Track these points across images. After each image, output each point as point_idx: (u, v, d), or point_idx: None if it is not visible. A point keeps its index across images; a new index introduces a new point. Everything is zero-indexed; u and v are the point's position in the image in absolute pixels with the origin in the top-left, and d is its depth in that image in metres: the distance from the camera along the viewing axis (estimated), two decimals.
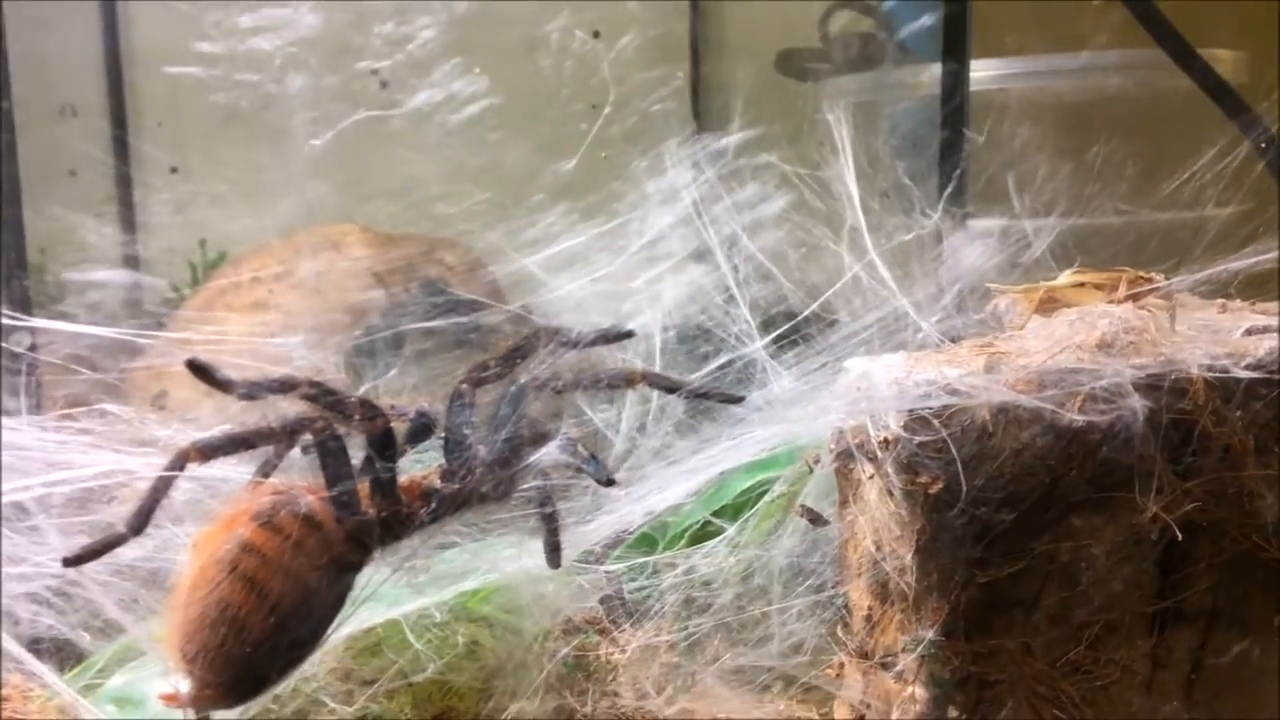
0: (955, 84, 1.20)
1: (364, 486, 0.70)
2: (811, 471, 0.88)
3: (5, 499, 0.74)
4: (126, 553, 0.76)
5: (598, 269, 1.05)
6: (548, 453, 0.72)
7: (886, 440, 0.75)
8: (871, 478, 0.79)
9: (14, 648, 0.77)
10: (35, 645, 0.81)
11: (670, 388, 0.81)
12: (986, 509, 0.73)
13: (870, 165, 1.08)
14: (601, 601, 0.88)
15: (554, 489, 0.74)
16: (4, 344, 0.89)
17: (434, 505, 0.72)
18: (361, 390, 0.98)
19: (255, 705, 0.69)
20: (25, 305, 1.21)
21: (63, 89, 1.77)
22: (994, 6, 1.33)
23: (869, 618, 0.81)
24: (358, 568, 0.70)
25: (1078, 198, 1.03)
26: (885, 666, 0.79)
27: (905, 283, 0.99)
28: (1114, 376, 0.72)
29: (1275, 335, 0.78)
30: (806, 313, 0.98)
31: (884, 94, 1.46)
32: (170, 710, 0.67)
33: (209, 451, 0.66)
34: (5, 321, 0.89)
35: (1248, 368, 0.74)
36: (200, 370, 0.65)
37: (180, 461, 0.66)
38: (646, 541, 0.95)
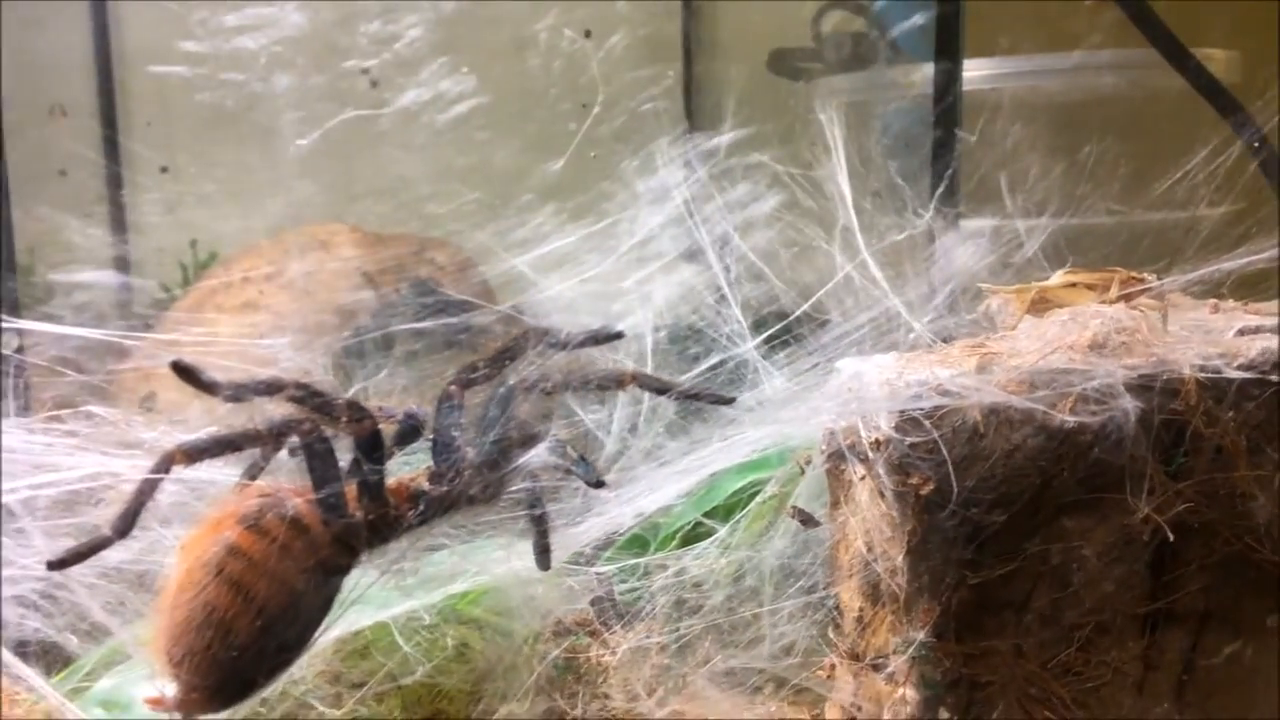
0: (948, 84, 1.20)
1: (351, 489, 0.70)
2: (803, 472, 0.87)
3: None
4: (113, 555, 0.76)
5: (589, 269, 1.05)
6: (537, 454, 0.72)
7: (878, 441, 0.75)
8: (863, 479, 0.79)
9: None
10: (22, 648, 0.80)
11: (660, 389, 0.81)
12: (978, 510, 0.73)
13: (863, 165, 1.08)
14: (592, 603, 0.88)
15: (543, 491, 0.73)
16: None
17: (422, 508, 0.71)
18: (351, 391, 0.97)
19: (242, 709, 0.69)
20: (13, 307, 1.21)
21: (53, 89, 1.77)
22: (987, 6, 1.33)
23: (860, 619, 0.81)
24: (345, 571, 0.70)
25: (1070, 198, 1.03)
26: (876, 668, 0.79)
27: (897, 283, 0.99)
28: (1105, 377, 0.72)
29: (1268, 335, 0.78)
30: (798, 313, 0.98)
31: (876, 94, 1.46)
32: (156, 714, 0.66)
33: (194, 454, 0.66)
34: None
35: (1240, 368, 0.74)
36: (185, 372, 0.65)
37: (165, 464, 0.65)
38: (638, 543, 0.94)
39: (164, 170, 1.71)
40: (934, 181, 1.15)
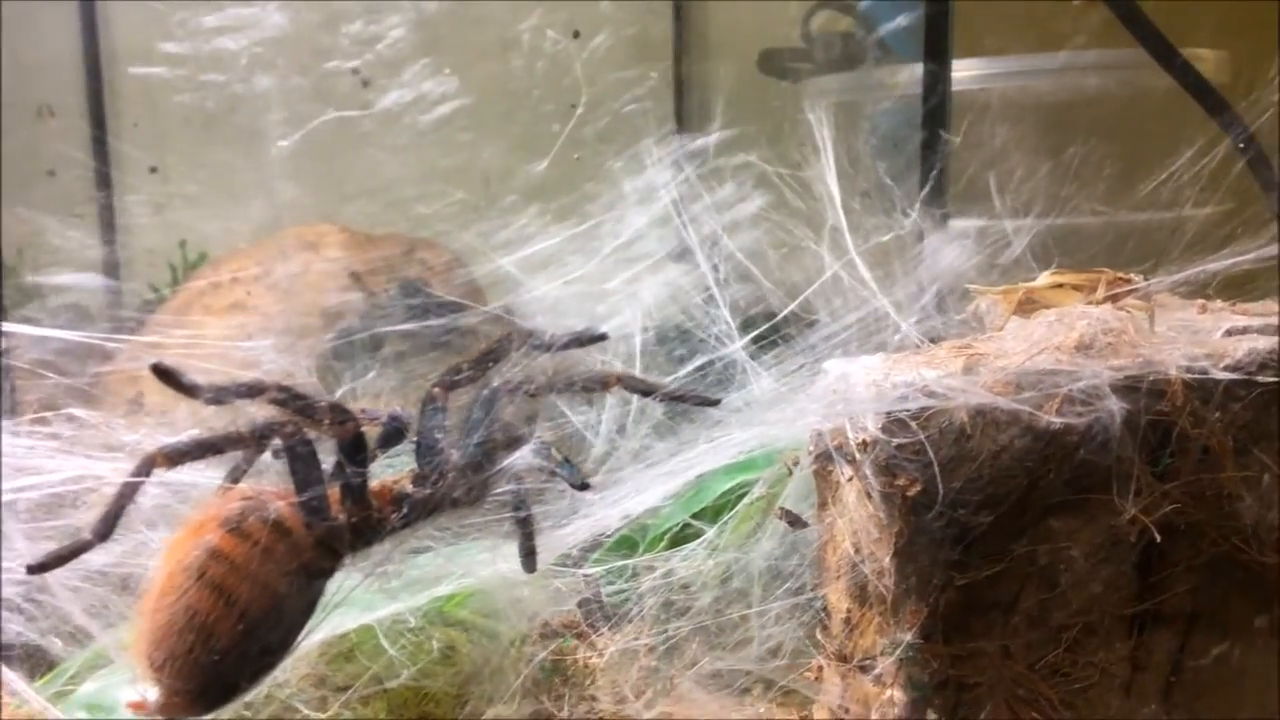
0: (936, 84, 1.20)
1: (334, 491, 0.70)
2: (790, 474, 0.87)
3: None
4: (97, 558, 0.76)
5: (576, 270, 1.04)
6: (521, 457, 0.71)
7: (865, 442, 0.75)
8: (850, 480, 0.78)
9: None
10: (6, 652, 0.80)
11: (646, 391, 0.81)
12: (965, 511, 0.73)
13: (851, 165, 1.08)
14: (579, 605, 0.87)
15: (529, 493, 0.73)
16: None
17: (405, 510, 0.71)
18: (339, 393, 0.97)
19: (225, 712, 0.69)
20: None
21: (41, 89, 1.76)
22: (975, 6, 1.33)
23: (848, 621, 0.81)
24: (328, 574, 0.69)
25: (1059, 198, 1.03)
26: (864, 669, 0.79)
27: (886, 283, 0.99)
28: (1092, 378, 0.72)
29: (1255, 336, 0.78)
30: (785, 312, 0.98)
31: (865, 94, 1.46)
32: (138, 718, 0.66)
33: (176, 457, 0.65)
34: None
35: (1227, 369, 0.74)
36: (165, 375, 0.64)
37: (146, 467, 0.65)
38: (626, 544, 0.94)
39: (153, 170, 1.71)
40: (922, 182, 1.15)
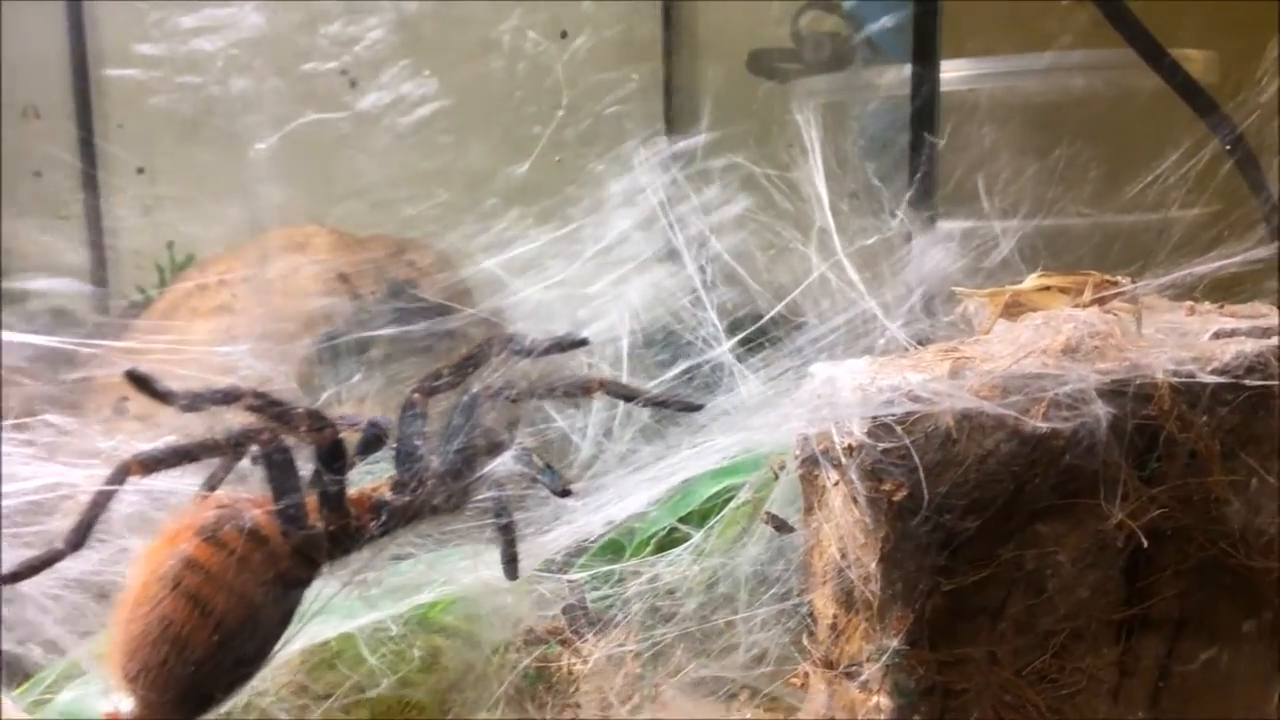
0: (924, 84, 1.20)
1: (312, 499, 0.69)
2: (777, 478, 0.87)
3: None
4: (75, 566, 0.75)
5: (562, 272, 1.04)
6: (502, 463, 0.71)
7: (851, 447, 0.74)
8: (836, 484, 0.78)
9: None
10: None
11: (628, 396, 0.80)
12: (951, 516, 0.72)
13: (840, 166, 1.07)
14: (564, 611, 0.87)
15: (511, 499, 0.72)
16: None
17: (384, 518, 0.70)
18: (323, 397, 0.96)
19: None
20: None
21: (27, 90, 1.75)
22: (964, 6, 1.33)
23: (834, 626, 0.80)
24: (306, 583, 0.68)
25: (1047, 199, 1.03)
26: (850, 676, 0.78)
27: (874, 285, 0.98)
28: (1078, 382, 0.71)
29: (1242, 339, 0.77)
30: (771, 314, 0.97)
31: (854, 94, 1.45)
32: None
33: (150, 464, 0.65)
34: None
35: (1214, 373, 0.73)
36: (140, 381, 0.63)
37: (121, 475, 0.64)
38: (612, 548, 0.94)
39: (140, 171, 1.70)
40: (911, 183, 1.15)
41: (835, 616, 0.80)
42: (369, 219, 1.44)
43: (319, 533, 0.68)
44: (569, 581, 0.87)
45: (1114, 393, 0.72)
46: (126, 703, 0.64)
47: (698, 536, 0.88)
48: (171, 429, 0.75)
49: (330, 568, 0.70)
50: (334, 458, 0.68)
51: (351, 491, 0.71)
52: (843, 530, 0.77)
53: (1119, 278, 0.84)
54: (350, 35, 1.27)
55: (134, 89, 1.54)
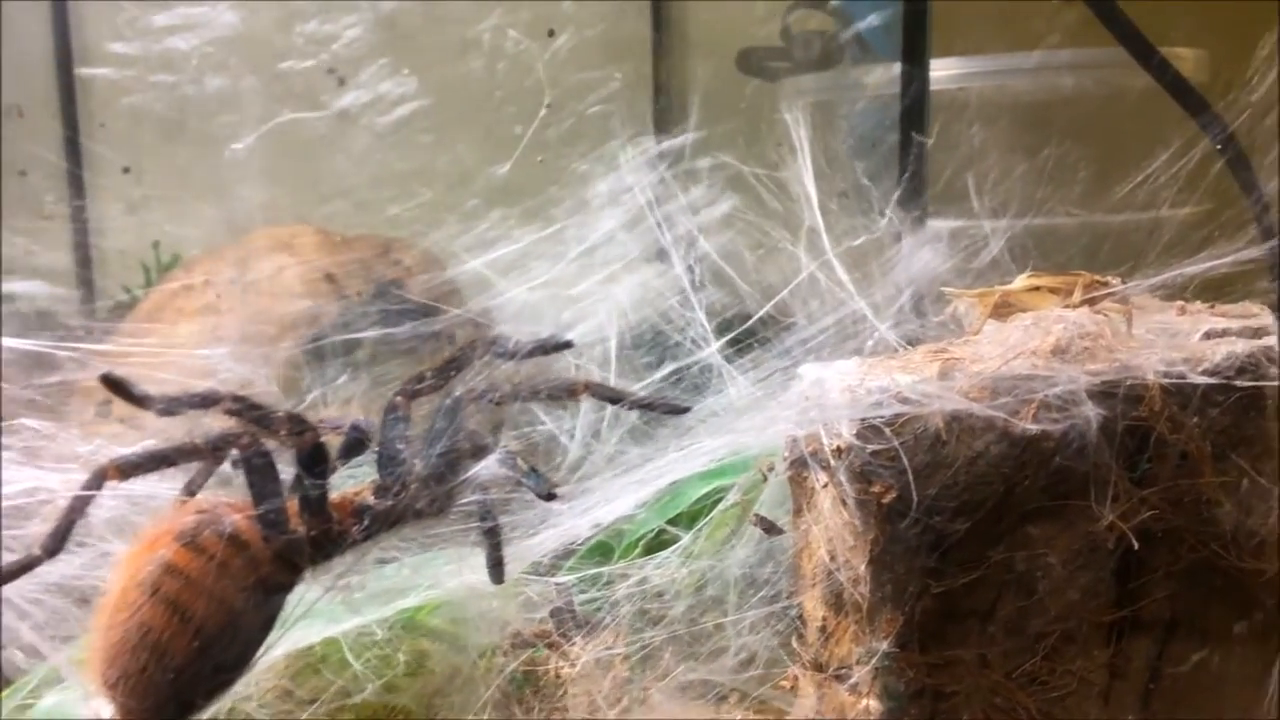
0: (914, 83, 1.19)
1: (293, 504, 0.68)
2: (765, 479, 0.86)
3: None
4: (54, 571, 0.74)
5: (550, 273, 1.03)
6: (486, 466, 0.70)
7: (839, 448, 0.74)
8: (825, 486, 0.77)
9: None
10: None
11: (614, 399, 0.79)
12: (941, 518, 0.72)
13: (829, 166, 1.07)
14: (551, 614, 0.86)
15: (496, 503, 0.71)
16: None
17: (367, 522, 0.69)
18: (308, 399, 0.95)
19: None
20: None
21: (10, 89, 1.73)
22: (954, 5, 1.32)
23: (824, 629, 0.80)
24: (287, 588, 0.68)
25: (1038, 199, 1.02)
26: (839, 679, 0.78)
27: (864, 285, 0.98)
28: (1068, 383, 0.71)
29: (1233, 340, 0.77)
30: (759, 314, 0.96)
31: (843, 93, 1.45)
32: None
33: (128, 469, 0.64)
34: None
35: (1204, 373, 0.73)
36: (116, 386, 0.63)
37: (98, 480, 0.63)
38: (601, 550, 0.93)
39: (126, 171, 1.68)
40: (900, 182, 1.14)
41: (825, 619, 0.79)
42: (354, 219, 1.43)
43: (300, 537, 0.67)
44: (557, 584, 0.86)
45: (1104, 394, 0.71)
46: (106, 709, 0.63)
47: (686, 538, 0.88)
48: (155, 432, 0.75)
49: (312, 573, 0.69)
50: (315, 461, 0.67)
51: (333, 496, 0.70)
52: (832, 532, 0.77)
53: (1109, 278, 0.83)
54: (329, 34, 1.26)
55: (114, 88, 1.53)
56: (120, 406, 1.16)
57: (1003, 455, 0.71)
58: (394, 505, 0.70)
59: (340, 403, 0.98)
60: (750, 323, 0.97)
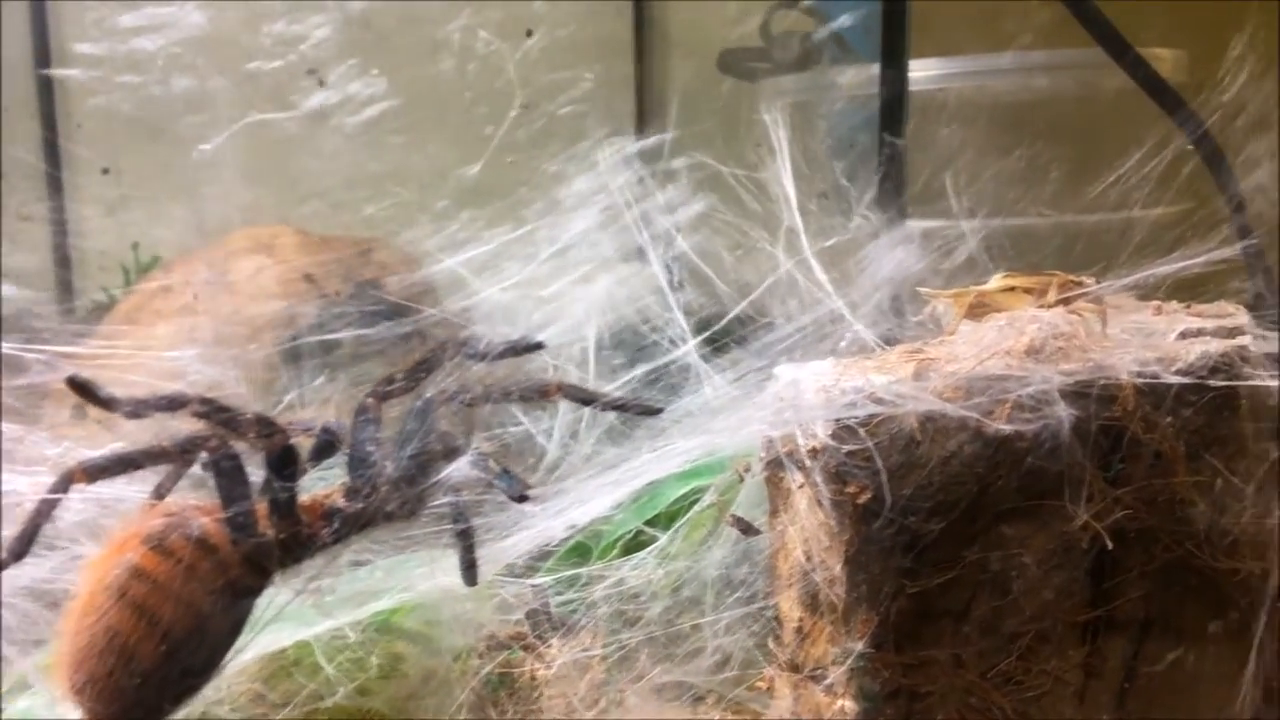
0: (893, 84, 1.19)
1: (262, 506, 0.67)
2: (742, 480, 0.86)
3: None
4: (25, 574, 0.73)
5: (526, 272, 1.03)
6: (458, 468, 0.69)
7: (815, 449, 0.73)
8: (801, 487, 0.77)
9: None
10: None
11: (587, 400, 0.79)
12: (916, 518, 0.72)
13: (808, 166, 1.07)
14: (527, 616, 0.86)
15: (469, 505, 0.71)
16: None
17: (337, 525, 0.69)
18: (285, 400, 0.95)
19: None
20: None
21: None
22: (933, 6, 1.32)
23: (800, 630, 0.79)
24: (256, 592, 0.67)
25: (1016, 199, 1.02)
26: (815, 679, 0.78)
27: (842, 285, 0.98)
28: (1042, 384, 0.71)
29: (1208, 339, 0.77)
30: (734, 313, 0.96)
31: (822, 94, 1.45)
32: None
33: (95, 472, 0.63)
34: None
35: (1178, 373, 0.73)
36: (81, 388, 0.62)
37: (65, 483, 0.63)
38: (579, 551, 0.93)
39: (105, 172, 1.68)
40: (880, 182, 1.14)
41: (801, 620, 0.79)
42: (329, 220, 1.42)
43: (270, 540, 0.67)
44: (533, 586, 0.86)
45: (1077, 394, 0.71)
46: (74, 714, 0.62)
47: (663, 539, 0.87)
48: (132, 435, 0.74)
49: (282, 576, 0.69)
50: (284, 464, 0.67)
51: (303, 498, 0.70)
52: (808, 533, 0.77)
53: (1084, 278, 0.83)
54: (314, 36, 1.25)
55: (84, 89, 1.52)
56: (95, 411, 1.15)
57: (977, 455, 0.71)
58: (364, 508, 0.69)
59: (318, 403, 0.97)
60: (725, 321, 0.97)
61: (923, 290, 0.89)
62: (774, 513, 0.81)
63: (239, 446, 0.66)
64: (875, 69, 1.21)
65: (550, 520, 0.80)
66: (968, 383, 0.72)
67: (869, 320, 0.94)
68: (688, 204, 1.02)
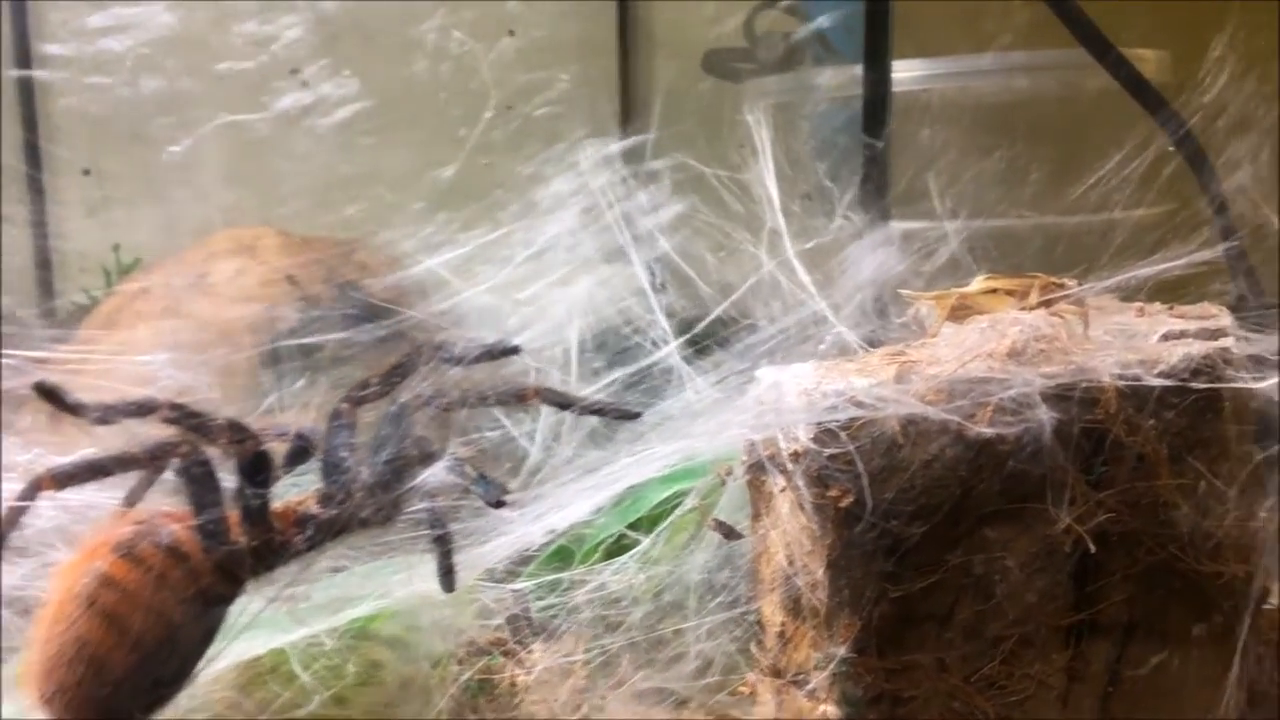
0: (876, 85, 1.19)
1: (234, 514, 0.67)
2: (724, 484, 0.86)
3: None
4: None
5: (512, 274, 1.02)
6: (434, 473, 0.69)
7: (796, 453, 0.73)
8: (783, 490, 0.77)
9: None
10: None
11: (564, 404, 0.78)
12: (898, 522, 0.71)
13: (791, 167, 1.06)
14: (508, 621, 0.85)
15: (446, 510, 0.70)
16: None
17: (311, 532, 0.68)
18: (264, 404, 0.94)
19: None
20: None
21: None
22: (917, 6, 1.32)
23: (782, 634, 0.79)
24: (228, 600, 0.66)
25: (1000, 200, 1.02)
26: (797, 684, 0.77)
27: (825, 287, 0.98)
28: (1023, 386, 0.70)
29: (1190, 341, 0.77)
30: (715, 314, 0.96)
31: (805, 95, 1.44)
32: None
33: (64, 479, 0.62)
34: None
35: (1160, 375, 0.73)
36: (49, 394, 0.61)
37: (33, 490, 0.62)
38: (561, 555, 0.92)
39: (86, 173, 1.66)
40: (863, 183, 1.14)
41: (783, 624, 0.78)
42: (311, 220, 1.41)
43: (242, 548, 0.66)
44: (513, 591, 0.85)
45: (1059, 397, 0.71)
46: None
47: (645, 543, 0.87)
48: (106, 437, 0.73)
49: (255, 584, 0.68)
50: (257, 470, 0.66)
51: (276, 505, 0.69)
52: (790, 537, 0.76)
53: (1066, 280, 0.83)
54: (285, 36, 1.24)
55: (58, 89, 1.51)
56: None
57: (958, 458, 0.71)
58: (338, 514, 0.68)
59: (299, 407, 0.96)
60: (706, 323, 0.97)
61: (904, 292, 0.89)
62: (756, 516, 0.81)
63: (211, 452, 0.65)
64: (858, 70, 1.21)
65: (529, 525, 0.79)
66: (949, 386, 0.72)
67: (852, 322, 0.94)
68: (668, 205, 1.01)
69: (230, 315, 1.20)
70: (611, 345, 1.00)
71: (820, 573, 0.74)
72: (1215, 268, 0.83)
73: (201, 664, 0.64)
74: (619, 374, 0.94)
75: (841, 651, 0.73)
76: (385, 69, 1.35)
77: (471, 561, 0.77)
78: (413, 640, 0.79)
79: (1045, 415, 0.69)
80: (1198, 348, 0.75)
